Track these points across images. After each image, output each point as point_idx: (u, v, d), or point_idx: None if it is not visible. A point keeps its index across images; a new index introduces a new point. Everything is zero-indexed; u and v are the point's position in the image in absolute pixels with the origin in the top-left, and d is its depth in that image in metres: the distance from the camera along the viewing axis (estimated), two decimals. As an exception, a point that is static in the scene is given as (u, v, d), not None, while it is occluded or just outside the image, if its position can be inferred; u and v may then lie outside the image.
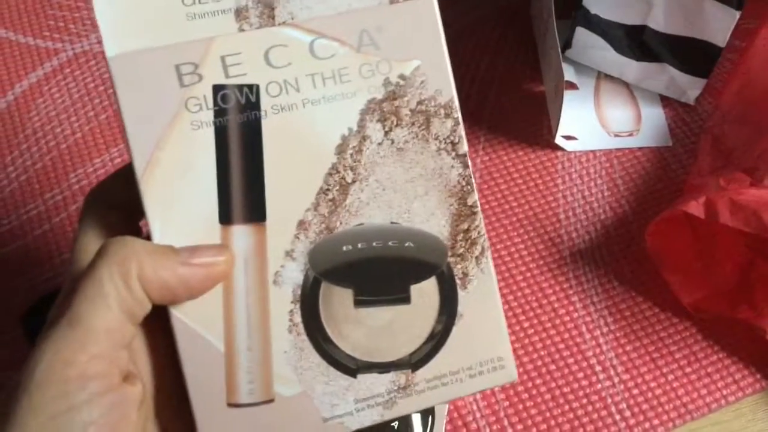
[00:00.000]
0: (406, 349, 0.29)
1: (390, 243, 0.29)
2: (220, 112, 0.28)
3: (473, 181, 0.30)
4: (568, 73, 0.59)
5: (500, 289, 0.49)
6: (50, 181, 0.53)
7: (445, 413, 0.44)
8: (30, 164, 0.54)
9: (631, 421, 0.45)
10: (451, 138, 0.30)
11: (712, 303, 0.48)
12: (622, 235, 0.52)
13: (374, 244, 0.29)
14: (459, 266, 0.30)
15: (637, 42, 0.57)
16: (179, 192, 0.28)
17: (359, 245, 0.29)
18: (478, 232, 0.30)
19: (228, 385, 0.28)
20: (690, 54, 0.56)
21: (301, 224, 0.28)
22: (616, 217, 0.53)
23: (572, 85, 0.59)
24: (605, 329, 0.48)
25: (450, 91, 0.29)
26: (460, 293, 0.30)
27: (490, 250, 0.30)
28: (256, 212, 0.28)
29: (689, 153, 0.56)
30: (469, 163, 0.30)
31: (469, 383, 0.30)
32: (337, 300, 0.29)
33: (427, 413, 0.43)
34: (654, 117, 0.58)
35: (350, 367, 0.29)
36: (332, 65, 0.28)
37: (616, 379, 0.47)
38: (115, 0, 0.27)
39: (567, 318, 0.49)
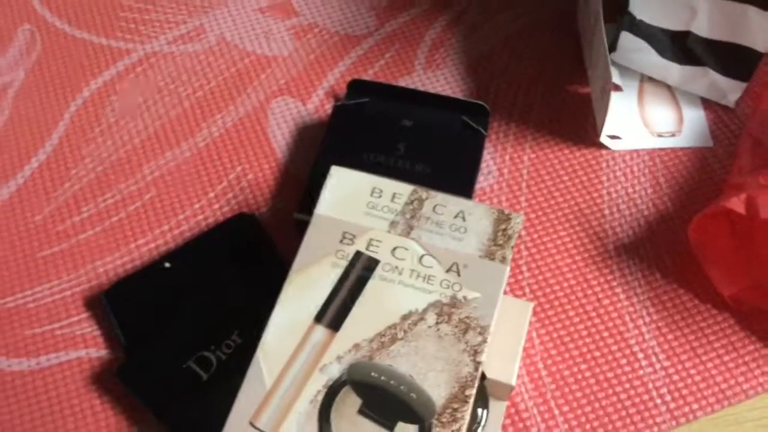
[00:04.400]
0: None
1: (401, 387, 0.39)
2: (350, 265, 0.43)
3: (477, 380, 0.39)
4: (613, 76, 0.60)
5: (547, 279, 0.52)
6: (125, 172, 0.56)
7: (504, 411, 0.47)
8: (105, 156, 0.57)
9: (672, 405, 0.47)
10: (476, 348, 0.40)
11: (751, 295, 0.49)
12: (664, 230, 0.54)
13: (391, 382, 0.39)
14: (437, 430, 0.38)
15: (680, 47, 0.58)
16: (302, 294, 0.42)
17: (382, 377, 0.40)
18: (463, 416, 0.38)
19: (258, 410, 0.39)
20: (731, 59, 0.57)
21: (356, 346, 0.40)
22: (658, 213, 0.55)
23: (617, 87, 0.60)
24: (647, 319, 0.50)
25: (490, 321, 0.41)
26: None
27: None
28: (335, 323, 0.41)
29: (729, 154, 0.57)
30: (480, 369, 0.39)
31: None
32: (350, 402, 0.39)
33: (485, 404, 0.47)
34: (695, 119, 0.59)
35: None
36: (427, 272, 0.42)
37: (657, 366, 0.48)
38: (342, 183, 0.44)
39: (611, 308, 0.51)
